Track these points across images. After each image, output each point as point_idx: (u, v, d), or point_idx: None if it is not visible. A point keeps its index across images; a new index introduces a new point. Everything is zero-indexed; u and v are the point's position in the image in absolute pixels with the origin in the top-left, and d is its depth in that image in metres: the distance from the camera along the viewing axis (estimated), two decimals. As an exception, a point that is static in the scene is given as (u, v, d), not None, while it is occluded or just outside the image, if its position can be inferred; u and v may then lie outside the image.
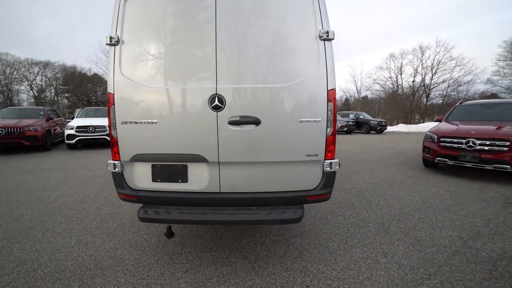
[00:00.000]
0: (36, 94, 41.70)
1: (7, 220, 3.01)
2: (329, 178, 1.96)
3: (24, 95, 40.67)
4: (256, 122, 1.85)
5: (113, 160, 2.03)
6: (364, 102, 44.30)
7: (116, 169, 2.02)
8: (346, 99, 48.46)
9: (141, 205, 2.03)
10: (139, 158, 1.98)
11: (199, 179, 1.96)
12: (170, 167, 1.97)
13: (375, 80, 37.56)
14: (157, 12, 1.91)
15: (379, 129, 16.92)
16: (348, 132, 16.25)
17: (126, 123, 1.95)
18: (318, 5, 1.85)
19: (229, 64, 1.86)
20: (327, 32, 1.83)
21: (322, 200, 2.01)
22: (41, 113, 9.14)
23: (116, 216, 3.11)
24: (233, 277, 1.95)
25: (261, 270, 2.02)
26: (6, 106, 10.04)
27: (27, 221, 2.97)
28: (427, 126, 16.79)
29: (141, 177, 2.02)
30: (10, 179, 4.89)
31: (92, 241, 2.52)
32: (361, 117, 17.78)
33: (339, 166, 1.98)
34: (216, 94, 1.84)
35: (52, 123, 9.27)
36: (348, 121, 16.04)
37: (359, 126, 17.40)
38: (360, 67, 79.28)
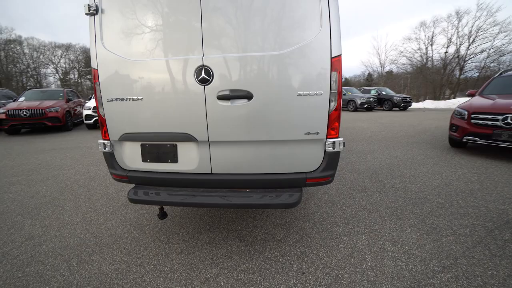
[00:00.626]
0: (61, 76, 43.53)
1: (24, 197, 3.16)
2: (331, 159, 1.75)
3: (51, 78, 42.66)
4: (248, 96, 1.65)
5: (103, 139, 1.96)
6: (388, 77, 41.37)
7: (106, 148, 1.95)
8: (369, 74, 45.54)
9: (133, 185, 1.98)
10: (127, 137, 1.88)
11: (189, 159, 1.84)
12: (159, 147, 1.86)
13: (401, 52, 34.43)
14: None
15: (403, 106, 15.76)
16: (369, 109, 15.32)
17: (112, 100, 1.83)
18: None
19: (216, 31, 1.63)
20: None
21: (323, 184, 1.82)
22: (61, 94, 9.46)
23: (121, 194, 3.16)
24: (227, 260, 1.88)
25: (256, 254, 1.94)
26: (30, 89, 10.50)
27: (41, 198, 3.11)
28: (458, 102, 15.31)
29: (131, 157, 1.94)
30: (32, 158, 5.17)
31: (96, 218, 2.57)
32: (383, 93, 16.58)
33: (344, 146, 1.75)
34: (203, 65, 1.64)
35: (72, 104, 9.60)
36: (369, 98, 15.04)
37: (381, 103, 16.31)
38: (385, 38, 72.55)
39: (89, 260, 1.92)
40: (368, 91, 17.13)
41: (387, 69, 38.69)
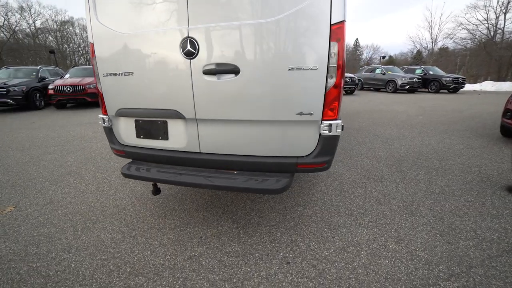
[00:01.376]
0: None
1: (54, 165, 3.52)
2: (327, 144, 1.55)
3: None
4: (235, 71, 1.50)
5: (103, 114, 2.00)
6: (442, 55, 36.38)
7: (105, 123, 2.00)
8: (418, 52, 40.58)
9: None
10: (122, 113, 1.90)
11: (178, 137, 1.80)
12: (151, 123, 1.84)
13: (460, 24, 29.61)
14: None
15: (453, 88, 13.84)
16: (411, 90, 13.77)
17: (107, 75, 1.83)
18: None
19: None
20: None
21: (316, 171, 1.65)
22: (99, 72, 10.12)
23: (135, 168, 3.33)
24: (215, 240, 1.87)
25: (245, 238, 1.89)
26: (74, 66, 11.44)
27: (67, 167, 3.43)
28: (527, 83, 12.91)
29: (127, 132, 1.96)
30: (71, 130, 5.71)
31: (107, 189, 2.75)
32: (430, 72, 14.64)
33: (342, 129, 1.53)
34: (188, 36, 1.52)
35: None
36: (412, 78, 13.43)
37: (427, 84, 14.51)
38: (441, 8, 61.98)
39: (92, 227, 2.07)
40: (413, 71, 15.30)
41: (440, 45, 33.92)
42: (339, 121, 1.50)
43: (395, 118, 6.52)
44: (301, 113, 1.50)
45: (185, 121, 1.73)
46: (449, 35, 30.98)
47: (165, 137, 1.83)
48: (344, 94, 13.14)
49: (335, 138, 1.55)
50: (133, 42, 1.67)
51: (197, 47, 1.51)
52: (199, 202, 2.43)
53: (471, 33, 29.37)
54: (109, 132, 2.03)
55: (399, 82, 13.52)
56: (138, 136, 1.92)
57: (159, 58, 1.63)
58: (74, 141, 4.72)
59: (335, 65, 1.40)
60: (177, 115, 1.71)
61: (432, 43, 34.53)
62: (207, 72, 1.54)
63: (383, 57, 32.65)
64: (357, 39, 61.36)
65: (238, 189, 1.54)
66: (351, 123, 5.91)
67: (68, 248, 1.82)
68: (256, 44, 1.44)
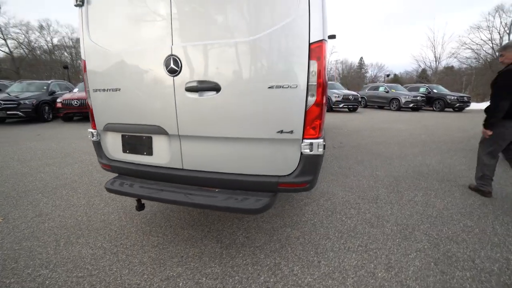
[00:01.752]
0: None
1: (51, 177, 3.55)
2: (309, 163, 1.52)
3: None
4: (216, 88, 1.52)
5: (92, 129, 2.03)
6: (447, 74, 36.43)
7: (94, 138, 2.02)
8: (424, 71, 40.79)
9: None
10: (110, 127, 1.92)
11: (162, 153, 1.80)
12: (137, 138, 1.85)
13: (464, 44, 29.83)
14: None
15: (458, 107, 13.70)
16: (415, 109, 13.69)
17: (96, 91, 1.88)
18: None
19: (185, 18, 1.53)
20: None
21: (299, 190, 1.60)
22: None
23: (128, 182, 3.32)
24: (196, 260, 1.80)
25: (227, 259, 1.82)
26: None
27: (63, 179, 3.45)
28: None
29: (114, 147, 1.97)
30: (72, 143, 5.82)
31: (98, 203, 2.73)
32: (434, 91, 14.59)
33: (324, 148, 1.50)
34: (172, 54, 1.56)
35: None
36: (416, 96, 13.40)
37: (431, 102, 14.42)
38: (443, 28, 63.31)
39: (75, 242, 2.03)
40: (417, 89, 15.29)
41: (444, 63, 34.08)
42: (320, 140, 1.47)
43: (397, 136, 6.43)
44: (281, 131, 1.48)
45: (168, 137, 1.73)
46: (452, 54, 31.17)
47: (149, 152, 1.83)
48: (347, 112, 13.16)
49: (317, 157, 1.51)
50: (120, 59, 1.72)
51: (180, 65, 1.55)
52: (186, 219, 2.38)
53: (475, 52, 29.53)
54: (98, 146, 2.05)
55: (403, 100, 13.49)
56: (124, 151, 1.92)
57: (144, 75, 1.67)
58: (75, 154, 4.79)
59: (315, 83, 1.39)
60: (160, 131, 1.72)
61: (436, 62, 34.75)
62: (189, 89, 1.56)
63: (388, 75, 32.89)
64: (361, 57, 62.34)
65: (216, 208, 1.50)
66: (350, 141, 5.85)
67: (46, 264, 1.78)
68: (236, 62, 1.47)
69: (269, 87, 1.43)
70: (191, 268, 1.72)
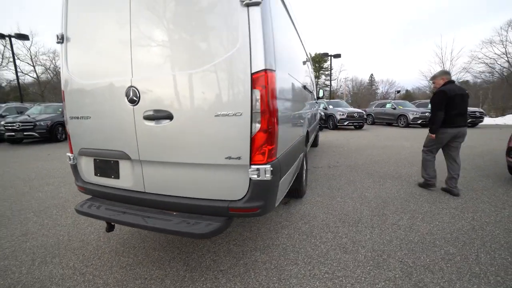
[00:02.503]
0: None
1: (47, 196, 3.73)
2: (258, 189, 1.54)
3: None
4: (169, 116, 1.62)
5: (69, 153, 2.17)
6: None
7: (71, 161, 2.15)
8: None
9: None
10: (83, 152, 2.05)
11: (127, 176, 1.88)
12: (106, 163, 1.96)
13: (476, 58, 29.08)
14: (86, 9, 1.87)
15: (471, 122, 13.20)
16: (424, 125, 13.30)
17: (72, 118, 2.04)
18: None
19: (143, 52, 1.67)
20: None
21: (250, 216, 1.62)
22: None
23: (117, 202, 3.42)
24: (157, 283, 1.81)
25: (188, 282, 1.81)
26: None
27: (58, 199, 3.61)
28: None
29: (88, 170, 2.09)
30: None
31: (82, 223, 2.83)
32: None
33: (272, 174, 1.52)
34: (131, 86, 1.69)
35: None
36: (424, 112, 13.08)
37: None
38: (451, 45, 61.92)
39: (49, 262, 2.10)
40: (425, 105, 14.96)
41: (454, 78, 33.23)
42: (267, 166, 1.50)
43: (398, 154, 6.26)
44: (229, 157, 1.53)
45: (131, 162, 1.83)
46: (464, 68, 30.43)
47: (116, 176, 1.92)
48: (352, 129, 13.02)
49: (266, 183, 1.53)
50: (90, 89, 1.89)
51: (138, 95, 1.67)
52: (161, 240, 2.40)
53: (490, 66, 28.74)
54: (74, 169, 2.17)
55: (411, 117, 13.20)
56: (95, 174, 2.03)
57: (110, 104, 1.81)
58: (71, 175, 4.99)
59: (259, 111, 1.45)
60: (125, 156, 1.82)
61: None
62: (146, 118, 1.68)
63: (398, 92, 32.46)
64: (371, 74, 62.43)
65: (168, 232, 1.54)
66: (348, 160, 5.76)
67: (14, 284, 1.84)
68: (186, 93, 1.57)
69: (215, 115, 1.51)
70: (150, 292, 1.73)
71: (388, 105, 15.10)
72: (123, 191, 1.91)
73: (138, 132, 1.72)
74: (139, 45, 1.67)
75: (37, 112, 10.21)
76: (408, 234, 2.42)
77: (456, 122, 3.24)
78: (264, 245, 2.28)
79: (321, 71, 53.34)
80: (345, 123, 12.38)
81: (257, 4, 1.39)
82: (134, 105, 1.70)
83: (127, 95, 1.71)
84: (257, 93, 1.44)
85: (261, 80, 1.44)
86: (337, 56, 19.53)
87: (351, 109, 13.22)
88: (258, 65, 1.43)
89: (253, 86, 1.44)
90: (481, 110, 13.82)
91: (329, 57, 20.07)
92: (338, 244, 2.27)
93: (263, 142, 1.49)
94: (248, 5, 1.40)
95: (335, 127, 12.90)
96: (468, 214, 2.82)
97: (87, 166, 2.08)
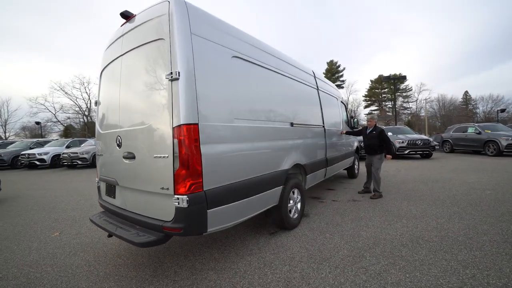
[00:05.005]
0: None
1: (47, 222, 4.99)
2: (181, 214, 1.98)
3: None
4: (134, 157, 2.30)
5: (97, 177, 3.14)
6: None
7: (97, 184, 3.11)
8: None
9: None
10: (101, 178, 2.96)
11: (118, 197, 2.63)
12: (110, 186, 2.78)
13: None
14: (104, 83, 2.93)
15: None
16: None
17: (97, 155, 3.02)
18: (169, 48, 2.02)
19: (123, 111, 2.48)
20: (171, 73, 1.97)
21: (176, 234, 2.05)
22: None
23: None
24: (127, 280, 2.37)
25: (148, 282, 2.29)
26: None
27: (60, 222, 4.35)
28: None
29: (102, 191, 2.98)
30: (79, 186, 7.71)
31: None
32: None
33: (188, 203, 1.95)
34: (118, 135, 2.48)
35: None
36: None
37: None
38: None
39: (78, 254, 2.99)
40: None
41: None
42: (184, 197, 1.94)
43: (446, 190, 5.26)
44: (163, 188, 2.05)
45: (119, 187, 2.57)
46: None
47: (114, 196, 2.70)
48: (418, 158, 11.31)
49: (186, 210, 1.95)
50: (102, 136, 2.84)
51: (121, 141, 2.44)
52: (156, 257, 3.00)
53: None
54: (98, 190, 3.11)
55: (504, 143, 10.49)
56: (105, 194, 2.88)
57: (108, 146, 2.66)
58: (73, 196, 6.14)
59: (178, 155, 1.95)
60: (116, 182, 2.58)
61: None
62: (124, 157, 2.43)
63: (503, 111, 25.85)
64: (466, 91, 52.23)
65: (123, 239, 2.15)
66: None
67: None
68: (140, 141, 2.27)
69: (154, 157, 2.10)
70: None
71: (470, 129, 12.49)
72: (116, 207, 2.66)
73: (120, 166, 2.48)
74: (123, 106, 2.52)
75: (76, 145, 14.49)
76: (368, 281, 2.24)
77: None
78: (222, 266, 2.57)
79: (398, 93, 48.60)
80: (405, 152, 10.94)
81: (176, 79, 1.96)
82: (119, 148, 2.49)
83: (116, 141, 2.52)
84: (176, 142, 1.95)
85: (179, 132, 1.95)
86: (403, 78, 17.80)
87: (414, 135, 11.65)
88: (177, 121, 1.97)
89: (173, 136, 1.96)
90: None
91: (393, 81, 18.48)
92: (286, 278, 2.33)
93: (182, 178, 1.95)
94: (171, 80, 1.99)
95: (396, 156, 11.53)
96: (473, 270, 2.32)
97: (103, 188, 2.97)
